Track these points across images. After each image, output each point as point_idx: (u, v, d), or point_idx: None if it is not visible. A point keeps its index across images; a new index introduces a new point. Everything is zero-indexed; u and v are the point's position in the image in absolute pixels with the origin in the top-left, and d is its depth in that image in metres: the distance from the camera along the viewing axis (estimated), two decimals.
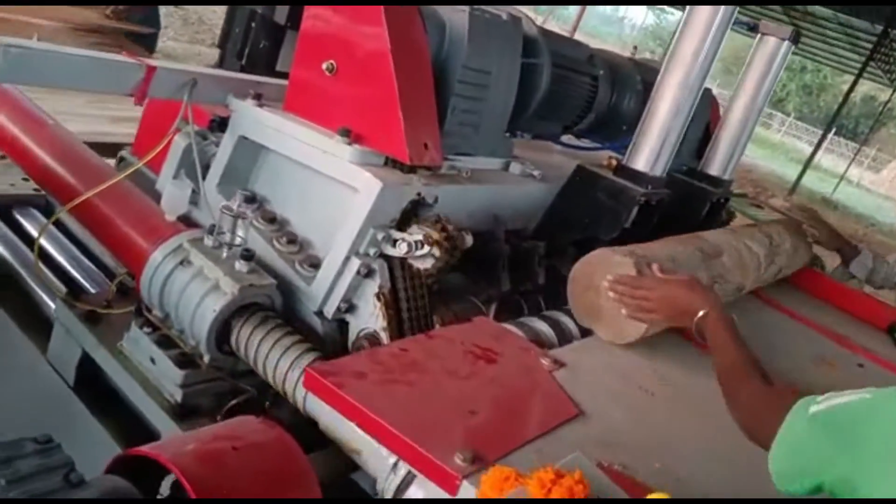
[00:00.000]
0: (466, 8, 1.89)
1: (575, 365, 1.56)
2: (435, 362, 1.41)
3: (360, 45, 1.74)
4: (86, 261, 2.15)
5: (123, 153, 2.34)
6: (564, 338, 1.83)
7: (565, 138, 2.86)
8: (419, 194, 1.76)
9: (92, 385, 1.81)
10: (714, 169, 2.81)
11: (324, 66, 1.78)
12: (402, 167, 1.76)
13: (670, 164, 2.76)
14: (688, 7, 2.13)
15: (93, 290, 2.04)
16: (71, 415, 1.80)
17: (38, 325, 1.96)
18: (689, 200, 2.74)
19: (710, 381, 1.45)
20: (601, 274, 1.77)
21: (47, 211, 2.33)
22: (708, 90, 3.33)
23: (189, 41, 13.19)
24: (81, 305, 1.81)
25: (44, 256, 2.13)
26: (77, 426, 1.80)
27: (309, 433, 1.51)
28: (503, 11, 2.01)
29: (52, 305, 1.89)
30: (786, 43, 2.64)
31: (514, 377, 1.48)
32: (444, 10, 1.91)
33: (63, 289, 1.88)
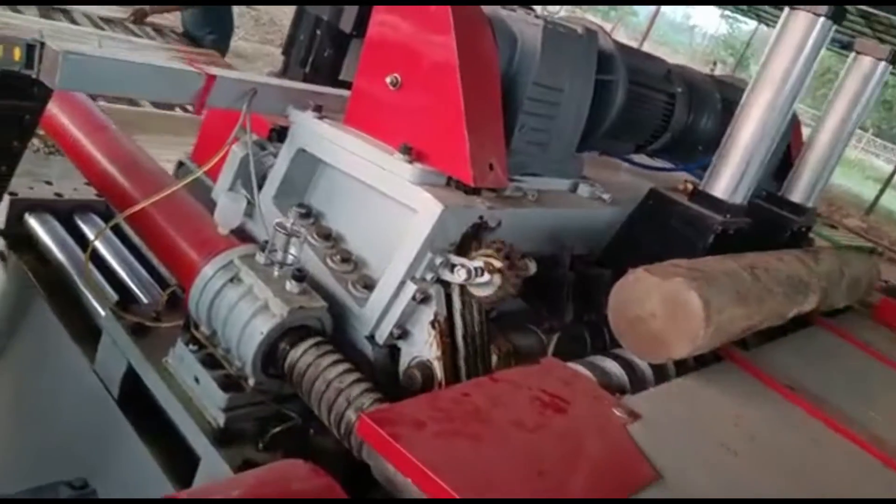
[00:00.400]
0: (540, 21, 1.78)
1: (650, 417, 1.42)
2: (499, 411, 1.30)
3: (426, 58, 1.65)
4: (141, 269, 2.11)
5: (183, 158, 2.30)
6: (636, 379, 1.70)
7: (637, 157, 2.72)
8: (482, 217, 1.66)
9: (137, 399, 1.77)
10: (797, 195, 2.63)
11: (388, 79, 1.70)
12: (464, 188, 1.66)
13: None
14: (780, 21, 1.98)
15: (145, 300, 2.00)
16: (113, 429, 1.76)
17: (90, 334, 1.93)
18: (769, 229, 2.57)
19: (797, 434, 1.31)
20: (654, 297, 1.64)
21: (108, 216, 2.30)
22: None
23: (260, 41, 13.43)
24: (129, 317, 1.76)
25: (99, 263, 2.11)
26: (119, 441, 1.76)
27: (354, 464, 1.43)
28: (578, 24, 1.90)
29: (103, 314, 1.85)
30: (882, 64, 2.45)
31: (586, 431, 1.36)
32: (517, 23, 1.81)
33: (113, 298, 1.84)
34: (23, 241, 2.25)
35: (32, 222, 2.26)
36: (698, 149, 2.62)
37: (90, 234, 2.22)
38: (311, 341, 1.56)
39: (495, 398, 1.35)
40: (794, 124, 3.12)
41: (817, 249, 2.58)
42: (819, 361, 2.10)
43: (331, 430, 1.51)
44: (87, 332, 1.93)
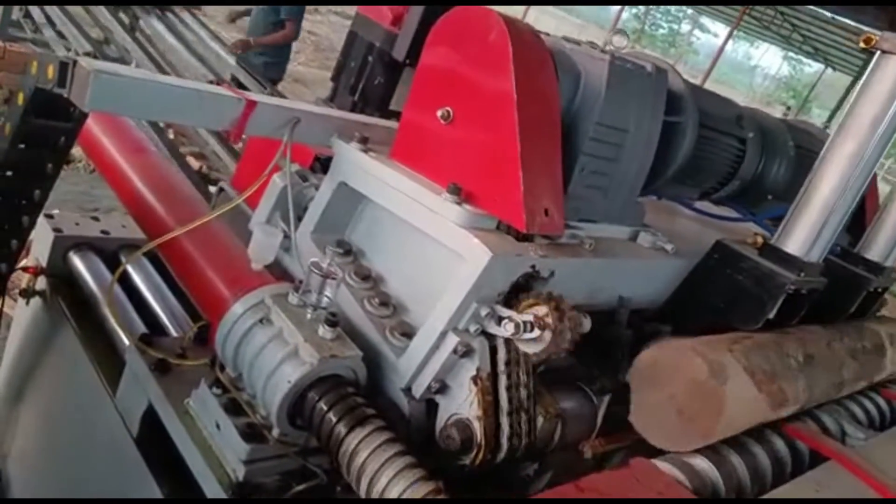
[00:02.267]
0: (607, 56, 1.64)
1: None
2: None
3: (481, 91, 1.53)
4: (174, 301, 2.02)
5: (223, 184, 2.22)
6: (730, 480, 1.53)
7: (698, 203, 2.56)
8: (533, 267, 1.53)
9: (157, 439, 1.66)
10: (874, 253, 2.42)
11: (439, 113, 1.58)
12: (516, 234, 1.53)
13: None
14: (871, 64, 1.81)
15: (175, 334, 1.91)
16: (128, 469, 1.66)
17: (118, 369, 1.84)
18: (841, 288, 2.38)
19: None
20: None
21: (155, 256, 2.21)
22: None
23: (319, 67, 13.60)
24: (153, 352, 1.66)
25: (133, 295, 2.03)
26: (134, 482, 1.65)
27: None
28: (647, 62, 1.76)
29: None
30: None
31: None
32: (581, 57, 1.68)
33: (139, 331, 1.75)
34: (65, 280, 2.19)
35: (76, 261, 2.20)
36: (768, 198, 2.44)
37: (135, 275, 2.15)
38: (342, 393, 1.44)
39: None
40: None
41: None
42: None
43: (357, 492, 1.38)
44: (116, 368, 1.84)
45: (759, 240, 1.97)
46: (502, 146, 1.48)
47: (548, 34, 1.75)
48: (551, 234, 1.57)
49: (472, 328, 1.51)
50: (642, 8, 42.25)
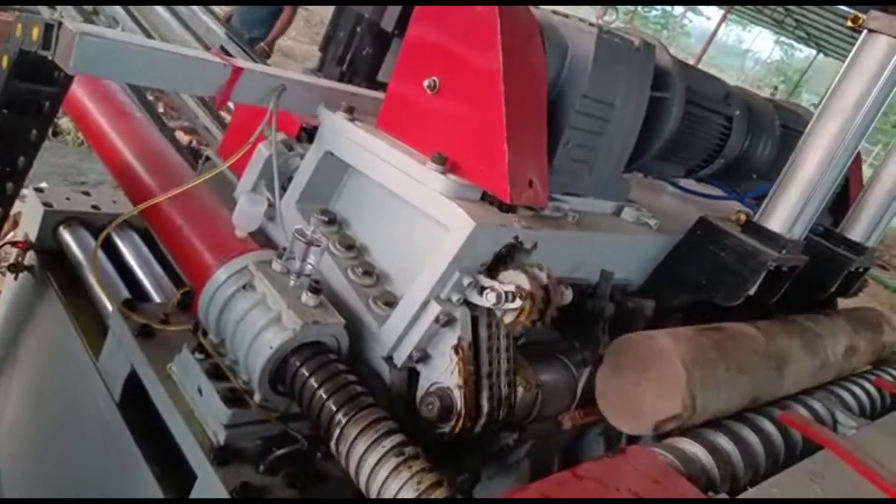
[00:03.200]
0: (594, 29, 1.64)
1: None
2: None
3: (468, 62, 1.52)
4: (160, 271, 2.02)
5: (209, 153, 2.21)
6: (724, 466, 1.55)
7: (684, 182, 2.57)
8: (516, 238, 1.53)
9: (140, 403, 1.67)
10: (856, 234, 2.45)
11: (425, 82, 1.58)
12: (500, 205, 1.53)
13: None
14: (856, 45, 1.82)
15: (158, 300, 1.91)
16: (112, 435, 1.67)
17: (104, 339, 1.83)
18: (823, 267, 2.40)
19: None
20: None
21: (146, 231, 2.16)
22: None
23: (309, 42, 13.47)
24: (136, 317, 1.66)
25: (122, 268, 2.03)
26: (115, 446, 1.66)
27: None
28: (636, 36, 1.76)
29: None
30: None
31: None
32: (569, 30, 1.68)
33: (121, 297, 1.75)
34: (54, 255, 2.16)
35: (66, 236, 2.17)
36: (752, 177, 2.46)
37: (125, 251, 2.13)
38: (323, 360, 1.44)
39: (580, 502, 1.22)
40: (854, 157, 2.93)
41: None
42: None
43: (337, 458, 1.39)
44: (103, 338, 1.83)
45: (743, 217, 1.99)
46: (488, 117, 1.48)
47: (538, 6, 1.75)
48: (535, 205, 1.57)
49: (455, 298, 1.51)
50: None
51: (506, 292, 1.47)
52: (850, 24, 1.86)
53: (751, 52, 56.23)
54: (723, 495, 1.46)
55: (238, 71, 1.58)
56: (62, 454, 1.92)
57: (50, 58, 1.47)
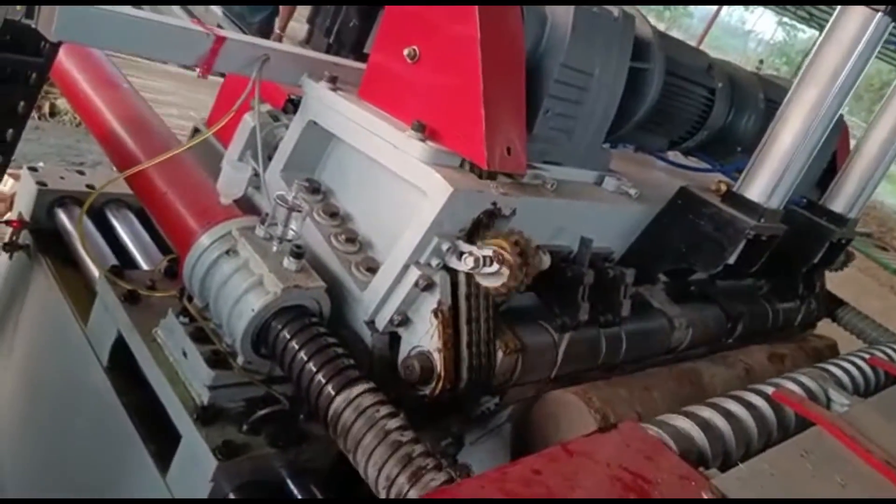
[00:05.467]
0: None
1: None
2: (576, 494, 1.17)
3: (446, 31, 1.55)
4: (146, 236, 2.05)
5: (198, 125, 2.23)
6: (717, 443, 1.55)
7: (672, 155, 2.60)
8: (495, 204, 1.56)
9: (127, 367, 1.70)
10: (838, 205, 2.48)
11: (405, 51, 1.60)
12: (478, 171, 1.56)
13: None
14: (833, 16, 1.84)
15: (146, 268, 1.94)
16: (99, 398, 1.70)
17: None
18: (805, 238, 2.44)
19: None
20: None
21: (141, 211, 2.18)
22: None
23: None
24: (123, 283, 1.69)
25: (107, 230, 2.06)
26: (104, 411, 1.70)
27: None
28: (616, 8, 1.78)
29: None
30: None
31: None
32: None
33: (109, 263, 1.78)
34: (48, 234, 2.18)
35: (60, 215, 2.18)
36: (737, 150, 2.48)
37: (119, 228, 2.15)
38: (304, 322, 1.48)
39: (571, 478, 1.22)
40: (842, 132, 2.96)
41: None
42: None
43: (319, 419, 1.43)
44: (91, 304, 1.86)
45: (723, 187, 2.02)
46: (465, 84, 1.51)
47: None
48: (514, 172, 1.60)
49: (434, 262, 1.55)
50: None
51: (484, 257, 1.50)
52: None
53: (753, 33, 55.91)
54: (714, 470, 1.47)
55: (221, 40, 1.61)
56: (56, 422, 1.96)
57: (34, 26, 1.49)
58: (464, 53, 1.51)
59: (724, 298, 2.48)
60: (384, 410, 1.33)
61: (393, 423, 1.30)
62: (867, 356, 2.31)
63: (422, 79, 1.59)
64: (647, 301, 2.23)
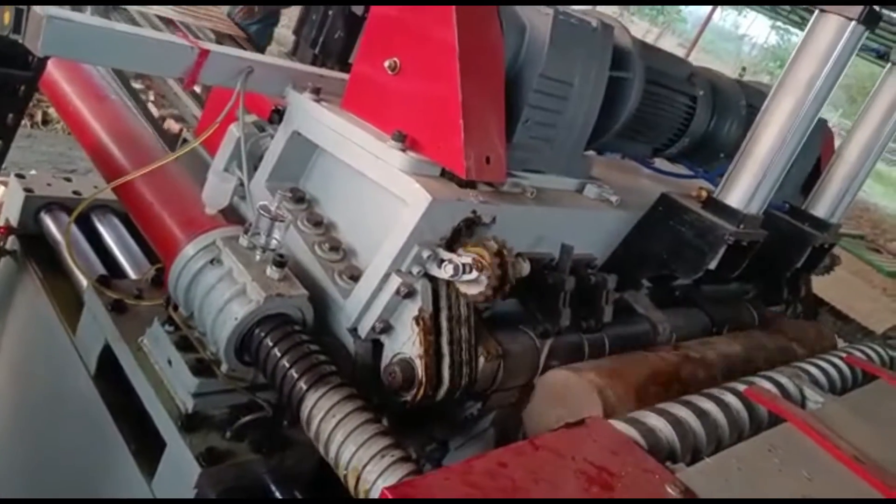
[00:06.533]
0: (551, 11, 1.69)
1: (708, 496, 1.29)
2: (540, 488, 1.19)
3: (425, 41, 1.58)
4: (134, 246, 2.07)
5: (186, 135, 2.26)
6: (686, 439, 1.56)
7: (658, 162, 2.62)
8: (474, 212, 1.59)
9: (114, 375, 1.73)
10: (821, 210, 2.51)
11: (386, 63, 1.63)
12: (458, 181, 1.59)
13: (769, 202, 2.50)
14: (809, 24, 1.87)
15: (132, 274, 1.96)
16: (87, 406, 1.73)
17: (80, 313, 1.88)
18: (788, 243, 2.47)
19: None
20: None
21: (127, 217, 2.19)
22: (822, 120, 3.03)
23: None
24: (110, 293, 1.72)
25: (100, 245, 2.08)
26: (91, 419, 1.72)
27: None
28: (594, 18, 1.81)
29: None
30: None
31: None
32: (527, 12, 1.73)
33: (96, 273, 1.80)
34: (35, 240, 2.21)
35: (47, 221, 2.21)
36: (720, 156, 2.51)
37: (106, 235, 2.18)
38: (287, 330, 1.50)
39: (536, 471, 1.23)
40: (827, 137, 2.99)
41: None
42: (883, 423, 1.89)
43: (303, 426, 1.45)
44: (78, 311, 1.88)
45: (703, 193, 2.05)
46: (444, 94, 1.53)
47: None
48: (493, 181, 1.63)
49: (415, 270, 1.57)
50: None
51: (463, 264, 1.53)
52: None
53: (747, 37, 56.15)
54: (680, 465, 1.49)
55: (205, 53, 1.63)
56: (43, 429, 1.98)
57: (21, 41, 1.52)
58: (442, 65, 1.53)
59: (708, 303, 2.51)
60: (354, 405, 1.35)
61: (363, 417, 1.34)
62: (844, 355, 2.34)
63: (402, 90, 1.62)
64: (630, 306, 2.25)
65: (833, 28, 1.82)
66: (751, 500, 1.33)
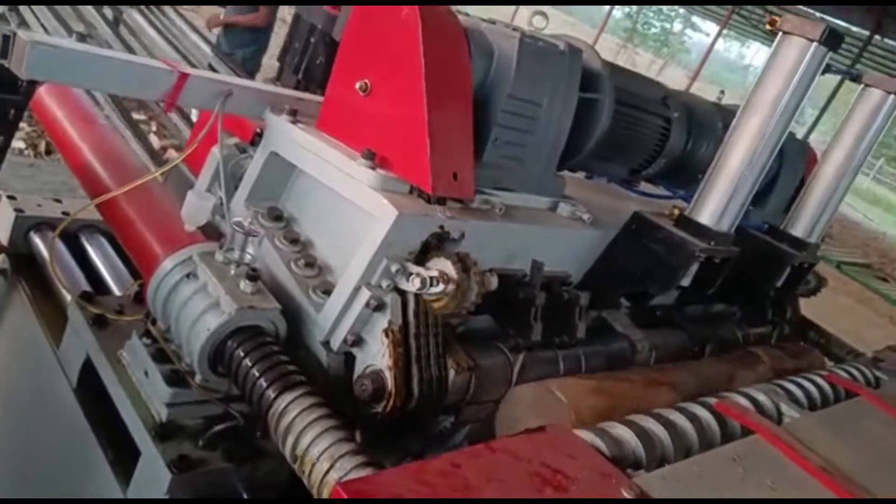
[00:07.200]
0: (517, 34, 1.76)
1: (665, 499, 1.31)
2: (492, 487, 1.20)
3: (393, 63, 1.64)
4: (119, 264, 2.13)
5: (171, 155, 2.32)
6: (653, 450, 1.57)
7: (642, 183, 2.67)
8: (442, 227, 1.64)
9: (95, 388, 1.77)
10: (799, 229, 2.55)
11: (357, 85, 1.69)
12: (427, 197, 1.64)
13: (752, 221, 2.54)
14: (773, 45, 1.93)
15: (117, 291, 2.02)
16: (68, 418, 1.77)
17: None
18: (767, 263, 2.50)
19: None
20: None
21: (114, 237, 2.27)
22: (805, 143, 3.08)
23: None
24: (92, 308, 1.77)
25: (79, 253, 2.14)
26: (72, 431, 1.76)
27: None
28: (562, 41, 1.87)
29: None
30: (892, 97, 2.37)
31: None
32: (494, 35, 1.79)
33: (80, 289, 1.86)
34: (25, 259, 2.26)
35: (36, 241, 2.27)
36: (697, 177, 2.55)
37: (92, 253, 2.24)
38: (259, 341, 1.55)
39: (489, 472, 1.24)
40: (810, 158, 3.04)
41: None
42: (857, 438, 1.90)
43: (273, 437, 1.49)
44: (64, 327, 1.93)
45: (676, 212, 2.10)
46: (411, 114, 1.59)
47: (468, 15, 1.86)
48: (461, 197, 1.68)
49: (385, 284, 1.62)
50: (634, 7, 42.39)
51: (430, 277, 1.58)
52: (768, 26, 1.98)
53: (752, 68, 56.55)
54: (641, 471, 1.50)
55: (184, 76, 1.70)
56: (27, 438, 2.02)
57: (7, 66, 1.59)
58: (409, 83, 1.59)
59: (689, 323, 2.54)
60: (322, 412, 1.39)
61: (330, 423, 1.38)
62: (825, 374, 2.35)
63: (373, 110, 1.68)
64: (609, 325, 2.29)
65: (796, 49, 1.87)
66: (704, 499, 1.34)
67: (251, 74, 5.94)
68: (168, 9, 7.03)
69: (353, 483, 1.19)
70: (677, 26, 47.70)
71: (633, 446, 1.54)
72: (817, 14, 18.21)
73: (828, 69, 2.02)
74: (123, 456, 1.67)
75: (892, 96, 2.38)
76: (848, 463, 1.64)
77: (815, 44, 1.85)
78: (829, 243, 14.90)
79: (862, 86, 2.43)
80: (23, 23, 7.21)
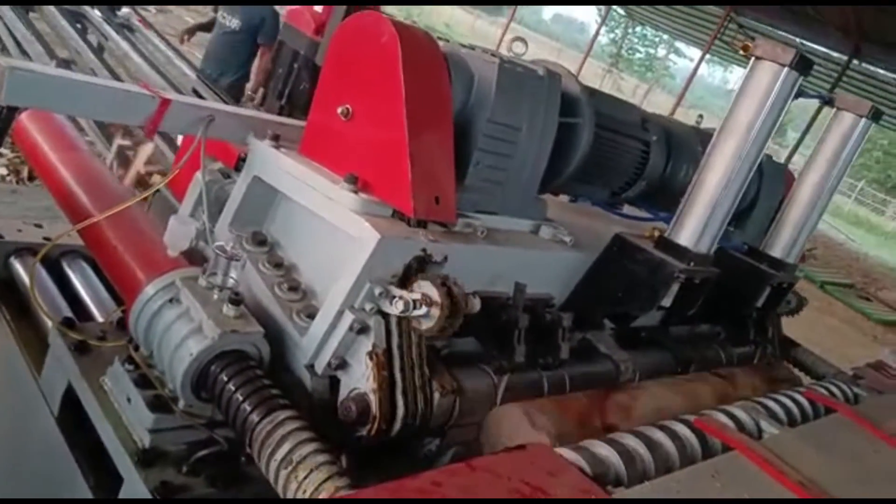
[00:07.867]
0: (496, 59, 1.79)
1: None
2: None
3: (374, 88, 1.66)
4: (102, 290, 2.13)
5: (154, 181, 2.33)
6: (634, 467, 1.57)
7: (627, 209, 2.70)
8: (425, 250, 1.65)
9: (76, 415, 1.76)
10: (777, 250, 2.58)
11: (339, 110, 1.71)
12: (409, 220, 1.66)
13: (734, 242, 2.57)
14: (746, 69, 1.97)
15: (99, 317, 2.01)
16: (48, 442, 1.75)
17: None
18: (745, 283, 2.53)
19: None
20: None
21: (96, 262, 2.27)
22: (783, 166, 3.13)
23: None
24: (74, 335, 1.76)
25: (64, 284, 2.13)
26: (54, 459, 1.75)
27: None
28: (540, 66, 1.91)
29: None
30: (863, 120, 2.42)
31: None
32: (474, 61, 1.82)
33: (61, 315, 1.85)
34: (5, 285, 2.25)
35: (16, 266, 2.26)
36: (678, 199, 2.59)
37: (74, 279, 2.23)
38: (242, 366, 1.55)
39: (468, 489, 1.23)
40: (790, 181, 3.08)
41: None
42: (835, 453, 1.89)
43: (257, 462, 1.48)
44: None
45: (656, 233, 2.12)
46: (392, 138, 1.61)
47: (447, 41, 1.89)
48: (443, 220, 1.70)
49: (368, 307, 1.62)
50: (619, 33, 42.93)
51: (413, 300, 1.58)
52: (741, 52, 2.02)
53: (735, 92, 57.39)
54: (621, 488, 1.51)
55: (166, 102, 1.72)
56: (9, 464, 2.00)
57: None
58: (390, 109, 1.62)
59: (673, 344, 2.56)
60: (306, 435, 1.39)
61: (313, 446, 1.39)
62: (804, 391, 2.37)
63: (355, 135, 1.70)
64: (594, 346, 2.30)
65: (769, 73, 1.91)
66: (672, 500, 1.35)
67: (236, 100, 5.95)
68: (152, 34, 7.02)
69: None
70: (661, 52, 48.35)
71: (614, 463, 1.55)
72: (797, 39, 18.55)
73: (801, 93, 2.07)
74: (106, 482, 1.65)
75: (863, 119, 2.42)
76: (825, 477, 1.65)
77: (786, 68, 1.90)
78: (812, 264, 15.07)
79: (834, 109, 2.48)
80: (3, 48, 7.20)
